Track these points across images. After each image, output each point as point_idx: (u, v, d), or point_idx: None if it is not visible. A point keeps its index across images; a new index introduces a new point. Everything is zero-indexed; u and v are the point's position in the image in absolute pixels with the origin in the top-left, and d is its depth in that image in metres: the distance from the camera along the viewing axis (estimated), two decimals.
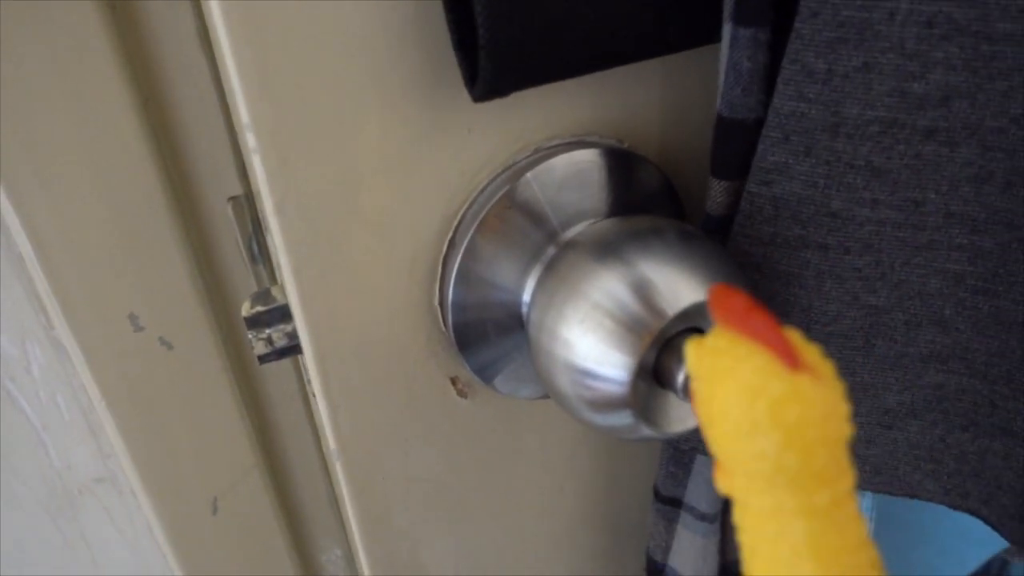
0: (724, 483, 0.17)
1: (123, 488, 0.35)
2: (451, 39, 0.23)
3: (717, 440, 0.17)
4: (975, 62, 0.21)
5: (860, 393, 0.27)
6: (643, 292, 0.23)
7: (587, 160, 0.27)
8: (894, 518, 0.35)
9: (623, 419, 0.24)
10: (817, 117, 0.22)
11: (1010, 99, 0.21)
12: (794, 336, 0.16)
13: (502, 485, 0.34)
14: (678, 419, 0.24)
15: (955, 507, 0.29)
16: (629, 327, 0.22)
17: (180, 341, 0.31)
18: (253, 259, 0.31)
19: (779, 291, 0.26)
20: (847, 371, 0.26)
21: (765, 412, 0.15)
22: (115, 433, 0.31)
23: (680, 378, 0.22)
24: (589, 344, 0.23)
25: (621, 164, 0.28)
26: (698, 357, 0.17)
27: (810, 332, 0.26)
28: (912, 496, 0.29)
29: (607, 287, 0.23)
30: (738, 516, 0.17)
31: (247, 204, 0.30)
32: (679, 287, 0.23)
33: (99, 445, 0.34)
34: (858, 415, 0.27)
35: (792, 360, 0.16)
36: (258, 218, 0.30)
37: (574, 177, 0.27)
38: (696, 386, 0.17)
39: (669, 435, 0.25)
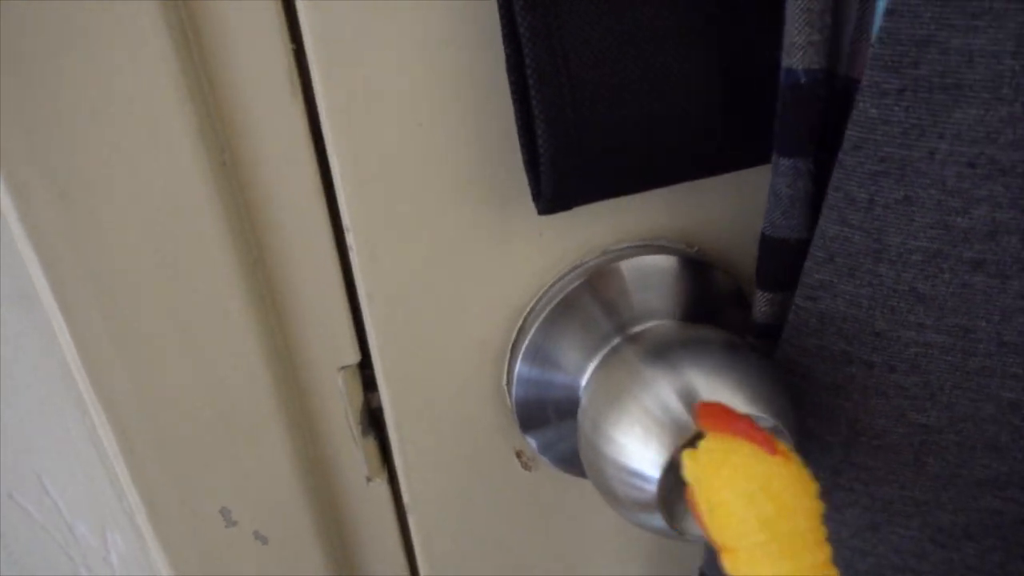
0: (730, 565, 0.20)
1: None
2: (523, 158, 0.26)
3: (719, 525, 0.20)
4: (1023, 200, 0.21)
5: (912, 508, 0.27)
6: (684, 397, 0.25)
7: (655, 264, 0.30)
8: None
9: (656, 521, 0.26)
10: (860, 242, 0.24)
11: None
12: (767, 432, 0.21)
13: (564, 559, 0.35)
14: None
15: None
16: (665, 426, 0.24)
17: (277, 535, 0.29)
18: (364, 434, 0.30)
19: (825, 402, 0.26)
20: (897, 485, 0.26)
21: (759, 487, 0.19)
22: None
23: None
24: (625, 439, 0.25)
25: (689, 269, 0.30)
26: (694, 461, 0.21)
27: (857, 444, 0.26)
28: None
29: (652, 388, 0.25)
30: None
31: (359, 373, 0.29)
32: (718, 397, 0.25)
33: None
34: (910, 529, 0.27)
35: (771, 448, 0.20)
36: (371, 385, 0.30)
37: (641, 279, 0.29)
38: (695, 485, 0.21)
39: (698, 540, 0.26)
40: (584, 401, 0.28)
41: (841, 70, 0.24)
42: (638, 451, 0.25)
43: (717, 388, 0.25)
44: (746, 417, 0.22)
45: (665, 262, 0.29)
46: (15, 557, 0.29)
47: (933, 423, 0.25)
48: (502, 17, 0.23)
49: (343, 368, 0.29)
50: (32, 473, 0.28)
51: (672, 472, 0.25)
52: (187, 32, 0.23)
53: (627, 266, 0.29)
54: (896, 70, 0.21)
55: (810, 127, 0.23)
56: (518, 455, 0.32)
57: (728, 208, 0.30)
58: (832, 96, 0.24)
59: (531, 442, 0.32)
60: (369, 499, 0.32)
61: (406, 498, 0.32)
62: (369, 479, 0.32)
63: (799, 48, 0.23)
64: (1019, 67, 0.20)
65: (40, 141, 0.22)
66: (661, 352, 0.26)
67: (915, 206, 0.22)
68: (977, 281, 0.23)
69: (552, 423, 0.31)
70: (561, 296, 0.29)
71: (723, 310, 0.30)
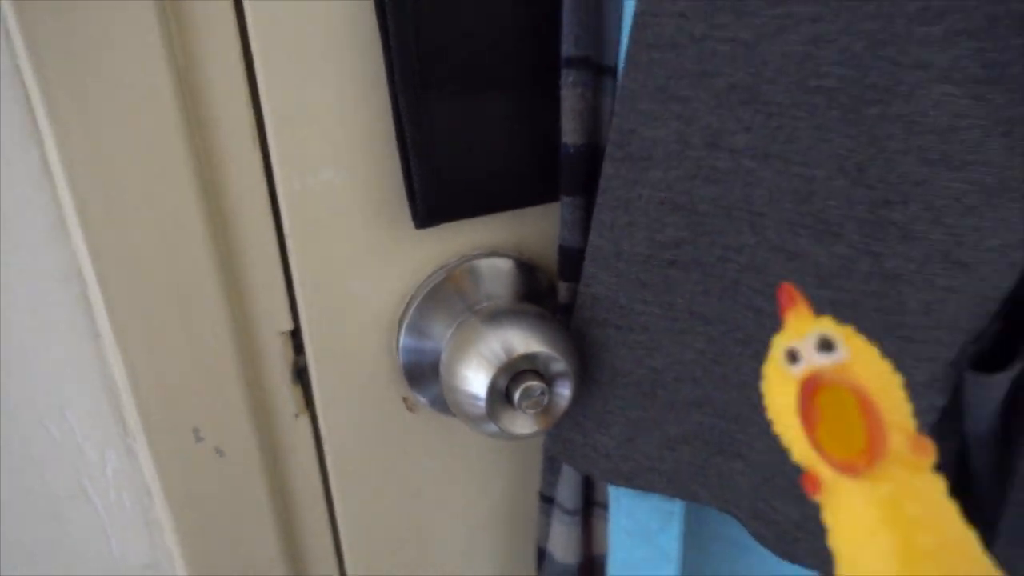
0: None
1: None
2: (405, 187, 0.40)
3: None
4: (694, 227, 0.37)
5: (651, 424, 0.41)
6: (503, 343, 0.39)
7: (497, 265, 0.44)
8: (710, 530, 0.48)
9: (492, 427, 0.39)
10: (608, 248, 0.38)
11: (717, 245, 0.37)
12: None
13: (442, 479, 0.49)
14: (521, 426, 0.39)
15: (722, 511, 0.42)
16: (490, 361, 0.38)
17: (231, 450, 0.41)
18: (294, 382, 0.44)
19: (597, 354, 0.41)
20: (641, 410, 0.41)
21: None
22: (171, 526, 0.41)
23: (517, 396, 0.38)
24: (466, 371, 0.39)
25: (520, 269, 0.45)
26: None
27: (615, 383, 0.41)
28: (694, 500, 0.42)
29: (483, 338, 0.39)
30: None
31: (292, 338, 0.42)
32: (526, 342, 0.39)
33: (151, 537, 0.43)
34: (652, 439, 0.42)
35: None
36: (299, 348, 0.43)
37: (486, 275, 0.44)
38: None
39: (520, 437, 0.40)
40: (443, 357, 0.42)
41: (603, 144, 0.39)
42: (474, 379, 0.39)
43: (528, 340, 0.39)
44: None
45: (504, 264, 0.44)
46: (38, 469, 0.41)
47: (659, 365, 0.40)
48: (392, 108, 0.38)
49: (281, 333, 0.42)
50: (56, 404, 0.40)
51: (495, 393, 0.38)
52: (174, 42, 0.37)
53: (477, 266, 0.43)
54: (619, 146, 0.36)
55: (578, 176, 0.38)
56: (404, 400, 0.46)
57: (545, 229, 0.45)
58: (596, 161, 0.39)
59: (421, 399, 0.45)
60: (297, 430, 0.45)
61: (323, 431, 0.45)
62: (297, 415, 0.44)
63: (568, 132, 0.38)
64: (676, 149, 0.35)
65: (65, 65, 0.35)
66: (493, 317, 0.40)
67: (635, 227, 0.37)
68: (672, 273, 0.38)
69: (428, 376, 0.44)
70: (431, 287, 0.43)
71: (542, 297, 0.45)
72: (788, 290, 0.20)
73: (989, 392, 0.33)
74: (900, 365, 0.23)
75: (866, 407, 0.17)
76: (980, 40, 0.29)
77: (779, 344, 0.19)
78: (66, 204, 0.36)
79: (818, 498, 0.18)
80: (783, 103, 0.33)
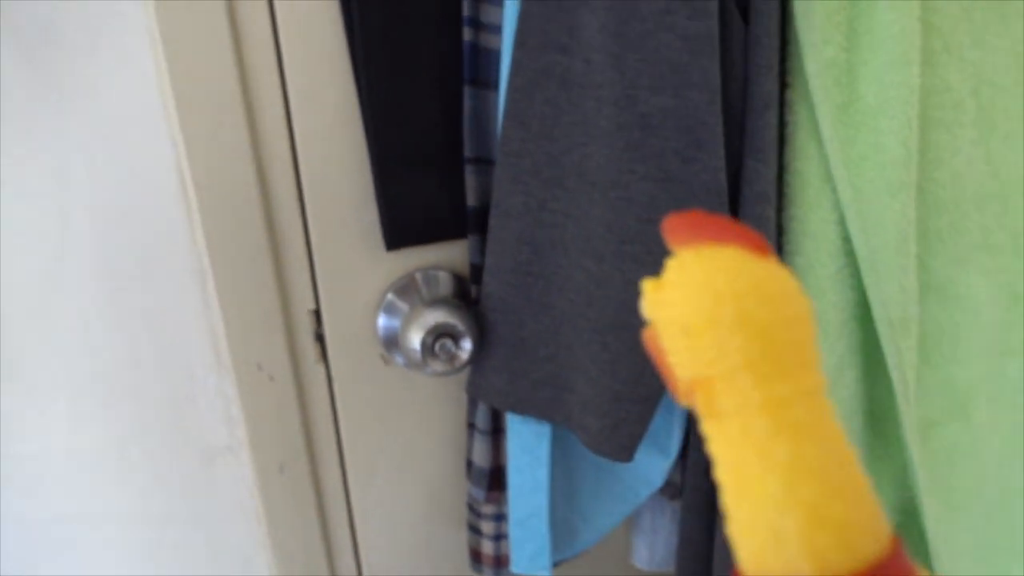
0: (704, 402, 0.17)
1: (239, 454, 0.74)
2: (380, 225, 0.68)
3: (695, 346, 0.17)
4: (538, 253, 0.64)
5: (523, 372, 0.68)
6: (433, 317, 0.67)
7: (439, 275, 0.72)
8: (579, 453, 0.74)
9: (428, 370, 0.67)
10: (493, 265, 0.66)
11: (551, 263, 0.64)
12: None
13: (409, 411, 0.76)
14: (441, 367, 0.67)
15: (566, 428, 0.68)
16: (423, 327, 0.66)
17: (277, 376, 0.72)
18: (315, 341, 0.73)
19: (491, 328, 0.68)
20: (517, 361, 0.68)
21: (752, 286, 0.16)
22: (243, 420, 0.71)
23: (437, 348, 0.66)
24: (410, 335, 0.67)
25: (452, 277, 0.73)
26: (658, 283, 0.18)
27: (502, 345, 0.68)
28: (553, 422, 0.69)
29: (422, 317, 0.67)
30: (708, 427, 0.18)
31: (315, 315, 0.73)
32: (445, 317, 0.66)
33: (230, 429, 0.74)
34: (525, 382, 0.68)
35: (761, 247, 0.17)
36: (319, 320, 0.72)
37: (435, 281, 0.72)
38: (659, 310, 0.19)
39: (443, 374, 0.67)
40: (401, 327, 0.70)
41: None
42: (415, 338, 0.66)
43: (447, 316, 0.67)
44: (730, 220, 0.17)
45: (443, 274, 0.72)
46: (170, 379, 0.70)
47: (525, 335, 0.67)
48: (374, 181, 0.67)
49: (308, 311, 0.71)
50: (184, 344, 0.70)
51: (425, 347, 0.66)
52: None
53: (428, 274, 0.72)
54: (496, 207, 0.64)
55: (477, 223, 0.66)
56: (382, 357, 0.74)
57: (466, 253, 0.72)
58: (487, 215, 0.67)
59: (398, 359, 0.73)
60: (317, 371, 0.73)
61: (333, 372, 0.73)
62: (317, 361, 0.73)
63: (470, 198, 0.66)
64: (524, 210, 0.63)
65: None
66: (430, 304, 0.68)
67: (506, 254, 0.65)
68: (528, 279, 0.65)
69: (396, 344, 0.73)
70: (399, 286, 0.71)
71: (465, 295, 0.73)
72: (671, 224, 0.19)
73: None
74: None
75: (659, 353, 0.16)
76: (658, 157, 0.56)
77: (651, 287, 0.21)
78: (198, 234, 0.66)
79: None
80: (574, 188, 0.60)
